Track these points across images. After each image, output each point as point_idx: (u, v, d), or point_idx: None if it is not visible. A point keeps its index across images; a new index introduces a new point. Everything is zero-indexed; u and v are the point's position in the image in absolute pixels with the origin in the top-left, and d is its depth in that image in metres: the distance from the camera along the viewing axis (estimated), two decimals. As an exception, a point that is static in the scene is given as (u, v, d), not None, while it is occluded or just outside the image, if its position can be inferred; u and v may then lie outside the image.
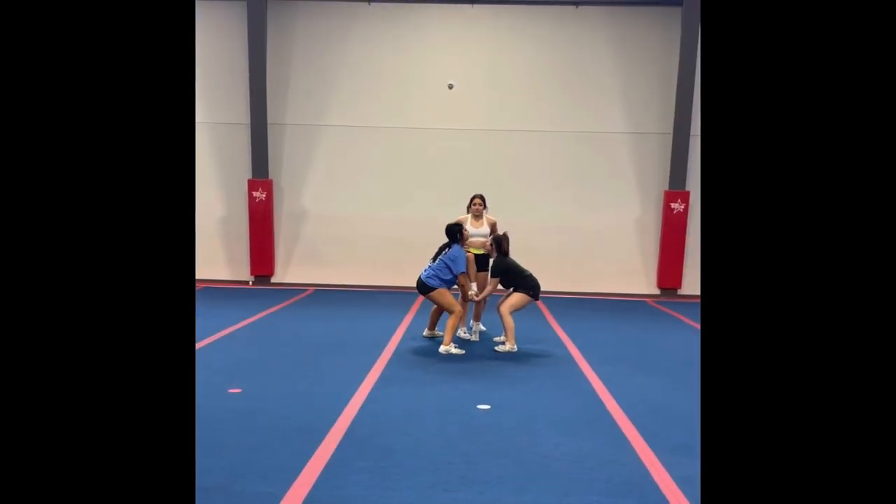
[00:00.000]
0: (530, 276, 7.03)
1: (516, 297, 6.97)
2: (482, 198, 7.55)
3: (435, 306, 7.32)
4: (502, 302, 7.03)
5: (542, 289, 7.28)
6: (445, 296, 6.94)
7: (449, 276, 6.93)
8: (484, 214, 7.53)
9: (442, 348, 6.85)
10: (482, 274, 7.34)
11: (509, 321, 6.93)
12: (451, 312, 6.92)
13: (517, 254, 7.32)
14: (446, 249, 7.04)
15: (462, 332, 7.47)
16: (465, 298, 7.24)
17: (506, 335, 7.00)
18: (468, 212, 7.59)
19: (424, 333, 7.48)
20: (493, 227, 7.47)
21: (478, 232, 7.42)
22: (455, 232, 7.04)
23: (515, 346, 6.97)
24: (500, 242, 7.05)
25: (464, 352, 6.90)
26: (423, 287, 6.96)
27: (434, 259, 7.11)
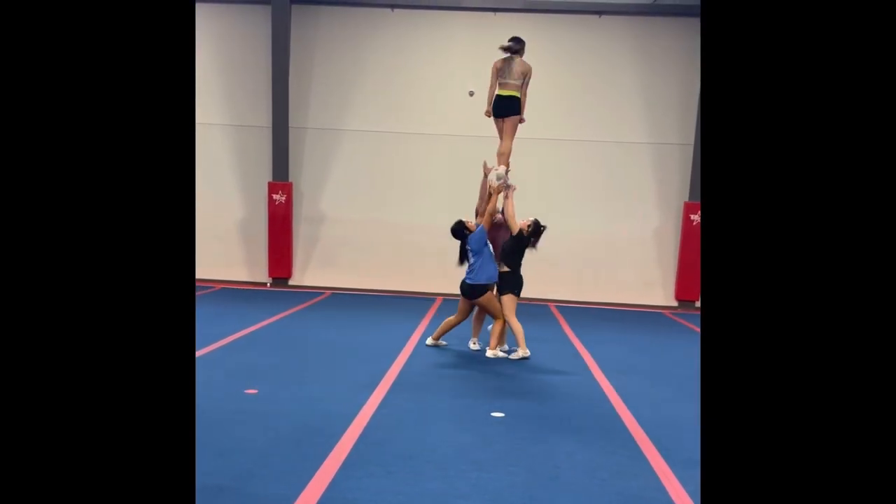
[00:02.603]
0: (519, 274, 7.06)
1: (509, 300, 6.96)
2: (516, 39, 7.24)
3: (477, 315, 7.33)
4: (501, 311, 7.01)
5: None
6: (493, 301, 6.98)
7: (489, 260, 6.88)
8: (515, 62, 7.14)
9: (489, 352, 6.98)
10: (512, 120, 7.17)
11: (517, 326, 6.93)
12: (496, 318, 6.99)
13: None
14: (467, 247, 7.03)
15: (472, 344, 7.42)
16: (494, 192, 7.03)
17: (517, 342, 7.00)
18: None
19: (470, 345, 7.37)
20: (527, 73, 7.18)
21: (512, 72, 7.12)
22: (460, 230, 7.04)
23: (528, 352, 6.97)
24: (537, 226, 7.03)
25: (507, 355, 6.98)
26: (471, 290, 6.91)
27: (461, 261, 7.12)
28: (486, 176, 7.20)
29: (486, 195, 7.07)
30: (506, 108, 7.17)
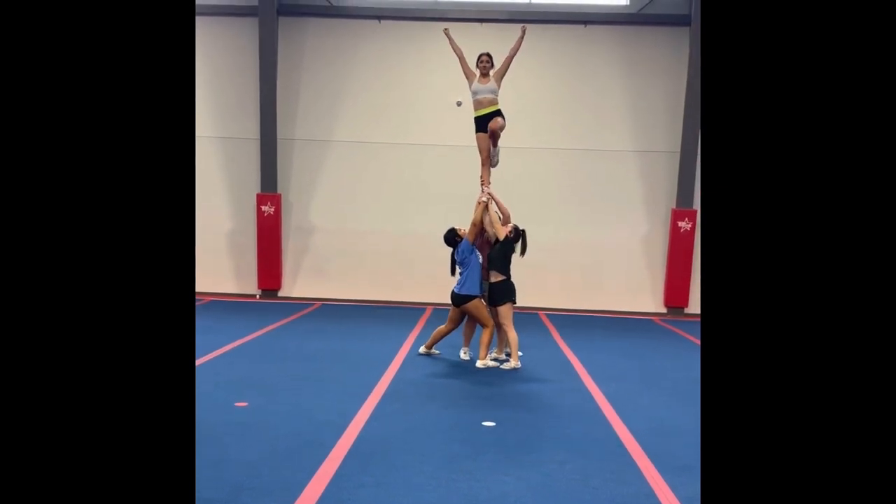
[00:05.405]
0: (511, 281, 7.08)
1: (507, 310, 6.99)
2: (489, 55, 7.20)
3: (467, 324, 7.32)
4: (497, 320, 7.05)
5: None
6: (481, 309, 7.00)
7: (477, 271, 6.96)
8: (490, 73, 7.16)
9: (479, 363, 6.96)
10: (496, 122, 7.09)
11: (514, 336, 6.95)
12: (484, 327, 7.00)
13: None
14: (456, 255, 7.11)
15: (463, 354, 7.40)
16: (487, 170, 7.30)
17: (511, 350, 7.01)
18: (476, 67, 7.26)
19: (461, 355, 7.35)
20: (499, 77, 7.14)
21: (485, 88, 7.12)
22: (452, 237, 7.18)
23: (519, 363, 6.98)
24: (517, 231, 7.10)
25: (499, 364, 6.98)
26: (459, 299, 6.99)
27: (453, 271, 7.21)
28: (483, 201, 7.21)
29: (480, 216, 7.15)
30: (488, 120, 7.16)
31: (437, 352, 7.49)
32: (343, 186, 12.00)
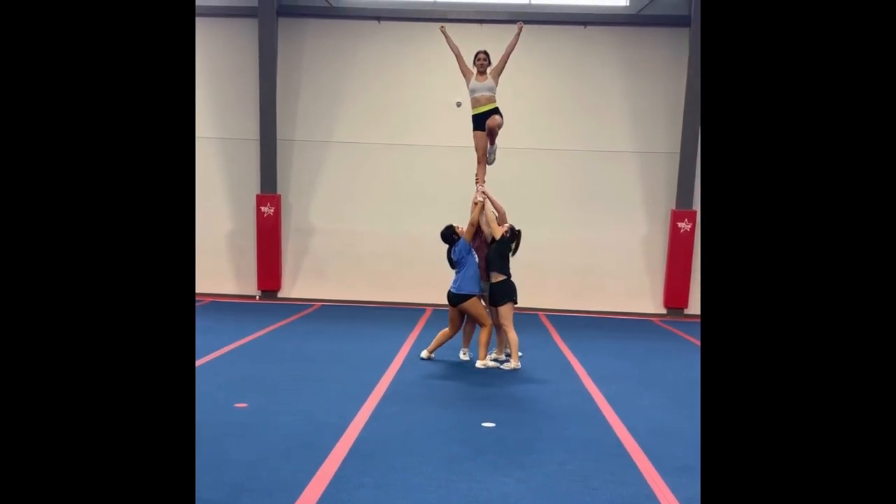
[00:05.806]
0: (511, 280, 7.06)
1: (508, 310, 6.97)
2: (486, 53, 7.21)
3: (467, 324, 7.28)
4: (498, 321, 7.05)
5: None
6: (479, 308, 6.97)
7: (473, 270, 6.93)
8: (488, 70, 7.16)
9: (478, 363, 6.96)
10: (494, 120, 7.07)
11: (514, 337, 6.93)
12: (482, 325, 6.98)
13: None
14: (452, 254, 7.07)
15: (462, 354, 7.38)
16: (482, 167, 7.32)
17: (511, 351, 7.01)
18: (473, 65, 7.24)
19: (460, 355, 7.33)
20: (496, 75, 7.14)
21: (483, 85, 7.12)
22: (449, 234, 7.12)
23: (519, 364, 6.97)
24: (513, 231, 7.09)
25: (499, 365, 6.96)
26: (456, 298, 6.95)
27: (452, 266, 7.17)
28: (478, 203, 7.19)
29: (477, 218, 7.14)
30: (485, 118, 7.15)
31: (433, 355, 7.45)
32: (342, 187, 12.01)
